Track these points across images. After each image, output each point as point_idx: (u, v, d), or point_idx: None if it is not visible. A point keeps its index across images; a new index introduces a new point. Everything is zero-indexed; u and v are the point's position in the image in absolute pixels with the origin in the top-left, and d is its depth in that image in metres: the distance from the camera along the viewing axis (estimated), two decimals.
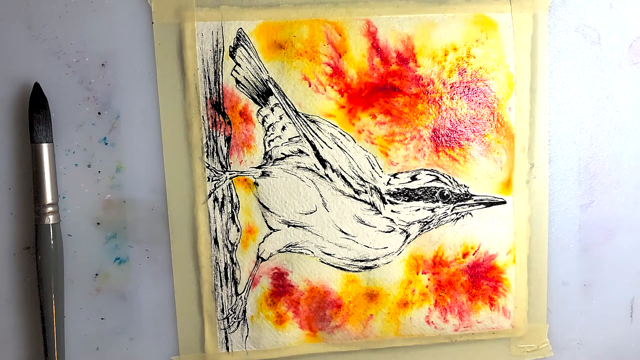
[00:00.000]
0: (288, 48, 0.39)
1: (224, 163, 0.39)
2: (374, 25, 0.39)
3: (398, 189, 0.40)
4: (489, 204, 0.41)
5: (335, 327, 0.41)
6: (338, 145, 0.40)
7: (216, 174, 0.39)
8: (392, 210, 0.40)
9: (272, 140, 0.40)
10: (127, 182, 0.39)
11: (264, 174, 0.40)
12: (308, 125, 0.39)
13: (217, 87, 0.39)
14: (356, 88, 0.40)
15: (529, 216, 0.42)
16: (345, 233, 0.40)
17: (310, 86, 0.39)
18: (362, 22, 0.39)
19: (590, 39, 0.41)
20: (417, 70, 0.40)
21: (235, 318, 0.41)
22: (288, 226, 0.40)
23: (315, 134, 0.40)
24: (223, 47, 0.39)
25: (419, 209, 0.40)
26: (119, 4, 0.38)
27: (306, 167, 0.40)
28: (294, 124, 0.39)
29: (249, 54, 0.39)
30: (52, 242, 0.37)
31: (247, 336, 0.41)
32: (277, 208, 0.40)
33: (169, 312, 0.40)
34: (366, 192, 0.40)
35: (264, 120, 0.39)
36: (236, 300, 0.40)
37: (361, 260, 0.41)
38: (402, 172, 0.40)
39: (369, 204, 0.40)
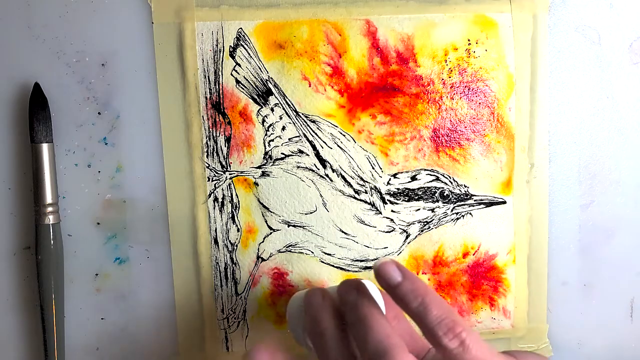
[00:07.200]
0: (288, 48, 0.39)
1: (224, 163, 0.39)
2: (374, 25, 0.39)
3: (398, 189, 0.40)
4: (489, 204, 0.41)
5: None
6: (338, 145, 0.40)
7: (216, 174, 0.39)
8: (392, 210, 0.40)
9: (272, 140, 0.40)
10: (127, 182, 0.39)
11: (264, 174, 0.40)
12: (308, 125, 0.39)
13: (217, 87, 0.39)
14: (356, 88, 0.40)
15: (529, 216, 0.42)
16: (345, 233, 0.40)
17: (310, 86, 0.39)
18: (362, 22, 0.39)
19: (590, 39, 0.41)
20: (417, 70, 0.40)
21: (235, 318, 0.41)
22: (288, 226, 0.40)
23: (315, 134, 0.39)
24: (223, 47, 0.39)
25: (419, 209, 0.40)
26: (119, 4, 0.38)
27: (306, 167, 0.40)
28: (294, 124, 0.39)
29: (249, 54, 0.39)
30: (52, 242, 0.37)
31: (247, 336, 0.41)
32: (277, 208, 0.40)
33: (169, 312, 0.40)
34: (366, 192, 0.40)
35: (264, 120, 0.39)
36: (236, 300, 0.40)
37: (361, 261, 0.41)
38: (402, 172, 0.40)
39: (369, 204, 0.40)
